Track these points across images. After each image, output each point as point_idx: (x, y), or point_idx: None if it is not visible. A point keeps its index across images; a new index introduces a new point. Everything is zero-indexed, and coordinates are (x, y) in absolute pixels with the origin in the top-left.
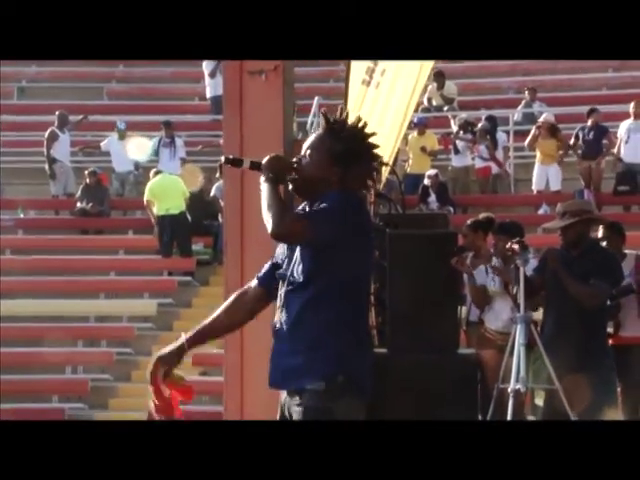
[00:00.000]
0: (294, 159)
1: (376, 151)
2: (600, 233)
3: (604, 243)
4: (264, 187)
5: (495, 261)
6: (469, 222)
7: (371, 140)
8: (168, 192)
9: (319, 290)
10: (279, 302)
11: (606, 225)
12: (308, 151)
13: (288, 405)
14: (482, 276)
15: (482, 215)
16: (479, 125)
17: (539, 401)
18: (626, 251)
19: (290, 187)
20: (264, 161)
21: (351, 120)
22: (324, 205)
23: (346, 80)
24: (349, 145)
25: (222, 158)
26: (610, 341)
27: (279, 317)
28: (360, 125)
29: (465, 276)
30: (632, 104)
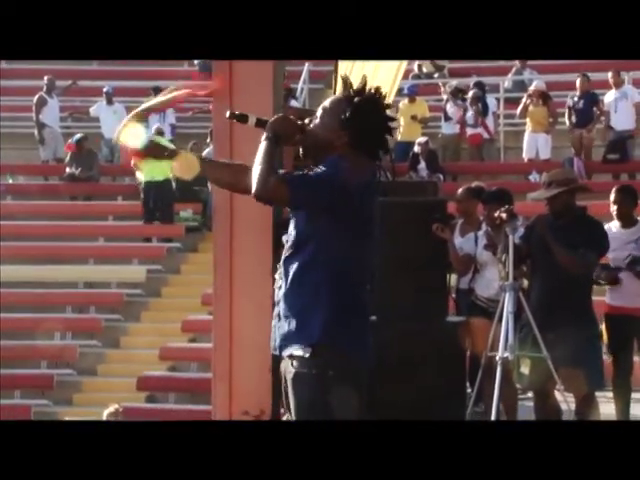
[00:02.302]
0: (303, 121)
1: (391, 124)
2: (612, 197)
3: (615, 207)
4: (261, 145)
5: (485, 228)
6: (465, 188)
7: (387, 112)
8: None
9: (309, 257)
10: (281, 266)
11: (619, 189)
12: (320, 112)
13: (284, 370)
14: (471, 244)
15: (475, 183)
16: (470, 92)
17: (524, 369)
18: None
19: (300, 150)
20: (271, 120)
21: (370, 89)
22: (314, 170)
23: None
24: (362, 113)
25: (227, 113)
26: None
27: (280, 281)
28: (377, 95)
29: (457, 238)
30: (610, 74)
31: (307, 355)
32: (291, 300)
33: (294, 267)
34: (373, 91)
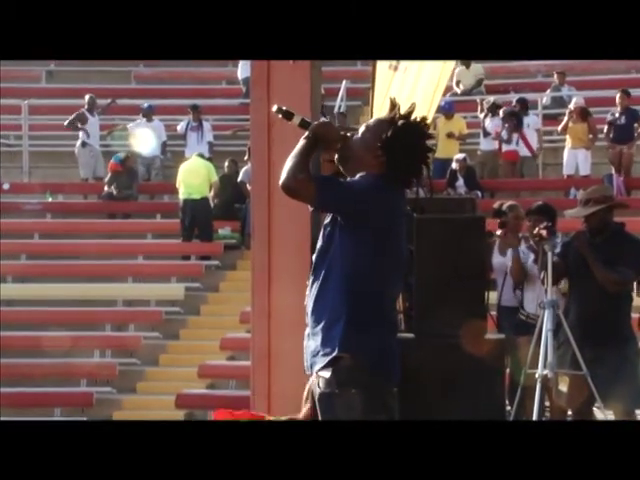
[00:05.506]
0: (345, 132)
1: (429, 155)
2: None
3: None
4: (299, 143)
5: (523, 244)
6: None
7: (427, 143)
8: (191, 176)
9: (328, 273)
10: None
11: None
12: (363, 129)
13: (312, 387)
14: (522, 256)
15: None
16: (502, 109)
17: (563, 387)
18: None
19: (336, 157)
20: (315, 123)
21: (416, 117)
22: (345, 181)
23: (373, 64)
24: (402, 137)
25: (274, 107)
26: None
27: (309, 299)
28: (422, 125)
29: (496, 255)
30: None
31: (328, 375)
32: (315, 318)
33: (316, 286)
34: (419, 119)
